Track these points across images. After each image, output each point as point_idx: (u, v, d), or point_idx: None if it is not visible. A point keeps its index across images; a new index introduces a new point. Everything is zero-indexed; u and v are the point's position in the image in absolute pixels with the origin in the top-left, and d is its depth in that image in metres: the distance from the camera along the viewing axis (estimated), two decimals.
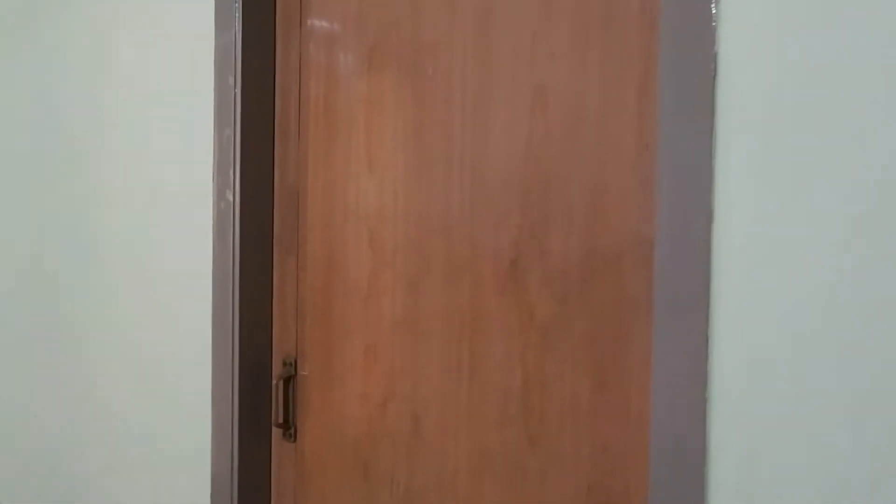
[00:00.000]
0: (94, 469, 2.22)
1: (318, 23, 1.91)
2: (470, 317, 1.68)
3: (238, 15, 1.90)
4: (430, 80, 1.73)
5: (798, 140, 1.25)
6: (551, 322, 1.58)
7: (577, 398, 1.56)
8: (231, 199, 1.92)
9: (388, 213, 1.79)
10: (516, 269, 1.62)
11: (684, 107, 1.35)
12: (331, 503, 1.89)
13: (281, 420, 1.92)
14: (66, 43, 2.27)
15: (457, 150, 1.70)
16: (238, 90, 1.90)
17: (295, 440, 1.94)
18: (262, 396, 1.96)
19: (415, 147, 1.75)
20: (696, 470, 1.34)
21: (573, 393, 1.56)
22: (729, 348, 1.31)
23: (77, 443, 2.26)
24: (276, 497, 1.98)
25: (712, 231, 1.33)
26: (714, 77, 1.31)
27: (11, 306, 2.44)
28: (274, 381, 1.92)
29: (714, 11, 1.30)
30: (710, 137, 1.32)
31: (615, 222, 1.52)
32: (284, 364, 1.95)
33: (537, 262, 1.60)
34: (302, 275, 1.92)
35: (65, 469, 2.29)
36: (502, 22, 1.64)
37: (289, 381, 1.93)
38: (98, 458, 2.21)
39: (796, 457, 1.25)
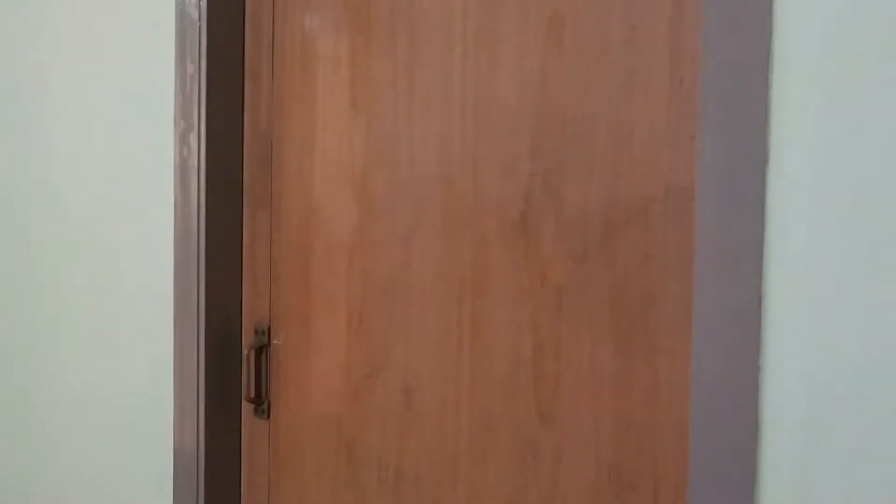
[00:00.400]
0: (49, 441, 2.00)
1: None
2: (471, 277, 1.49)
3: None
4: (426, 5, 1.52)
5: (878, 64, 1.07)
6: (567, 282, 1.40)
7: (596, 367, 1.37)
8: (195, 145, 1.70)
9: (375, 160, 1.59)
10: (526, 222, 1.43)
11: (734, 28, 1.17)
12: (310, 487, 1.69)
13: (252, 394, 1.71)
14: None
15: (456, 87, 1.50)
16: (203, 22, 1.68)
17: (268, 417, 1.74)
18: (231, 368, 1.75)
19: (407, 84, 1.55)
20: (746, 446, 1.17)
21: (592, 361, 1.38)
22: (786, 308, 1.13)
23: (30, 413, 2.03)
24: (247, 479, 1.77)
25: (766, 175, 1.15)
26: None
27: None
28: (245, 352, 1.71)
29: None
30: (766, 64, 1.14)
31: (643, 168, 1.33)
32: (256, 332, 1.74)
33: (551, 215, 1.41)
34: (276, 232, 1.71)
35: (21, 440, 2.06)
36: None
37: (261, 351, 1.73)
38: (53, 431, 1.99)
39: (863, 429, 1.08)
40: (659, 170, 1.32)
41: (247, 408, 1.76)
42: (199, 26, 1.68)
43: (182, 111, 1.70)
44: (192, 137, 1.69)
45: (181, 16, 1.71)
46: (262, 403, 1.73)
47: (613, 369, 1.36)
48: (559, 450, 1.41)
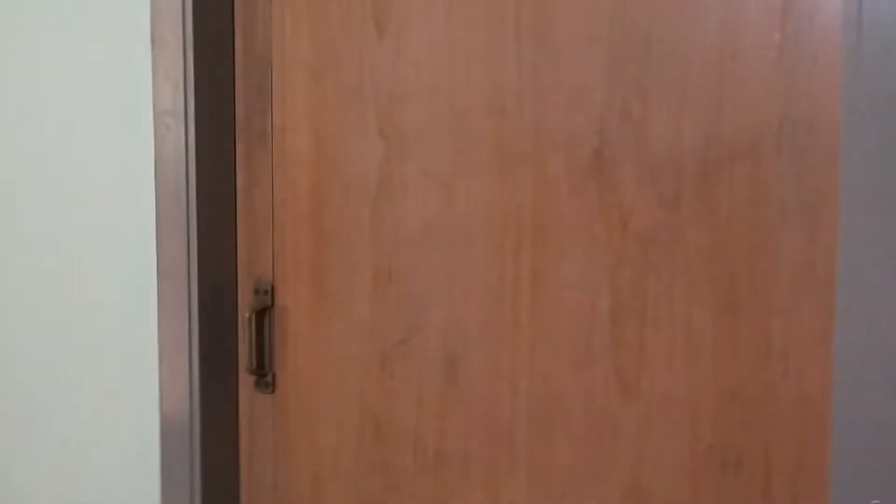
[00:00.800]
0: (25, 413, 1.71)
1: None
2: (531, 224, 1.26)
3: None
4: None
5: None
6: (654, 231, 1.18)
7: (693, 329, 1.17)
8: (175, 67, 1.42)
9: (407, 89, 1.33)
10: (601, 160, 1.21)
11: None
12: (326, 472, 1.45)
13: (254, 365, 1.46)
14: None
15: (510, 1, 1.26)
16: None
17: (273, 390, 1.49)
18: (225, 336, 1.49)
19: None
20: None
21: (687, 323, 1.17)
22: None
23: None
24: (247, 463, 1.53)
25: None
26: None
27: None
28: (246, 315, 1.45)
29: None
30: None
31: (750, 96, 1.12)
32: (257, 292, 1.48)
33: (632, 152, 1.19)
34: (280, 174, 1.45)
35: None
36: None
37: (263, 314, 1.47)
38: (29, 403, 1.70)
39: None
40: (770, 99, 1.11)
41: (246, 381, 1.51)
42: None
43: (157, 19, 1.41)
44: (170, 57, 1.40)
45: None
46: (265, 375, 1.48)
47: (713, 332, 1.16)
48: (644, 426, 1.21)
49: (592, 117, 1.21)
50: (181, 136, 1.42)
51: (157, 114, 1.44)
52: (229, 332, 1.50)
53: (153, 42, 1.42)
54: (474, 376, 1.32)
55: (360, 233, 1.39)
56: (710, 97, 1.14)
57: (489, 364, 1.31)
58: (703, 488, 1.18)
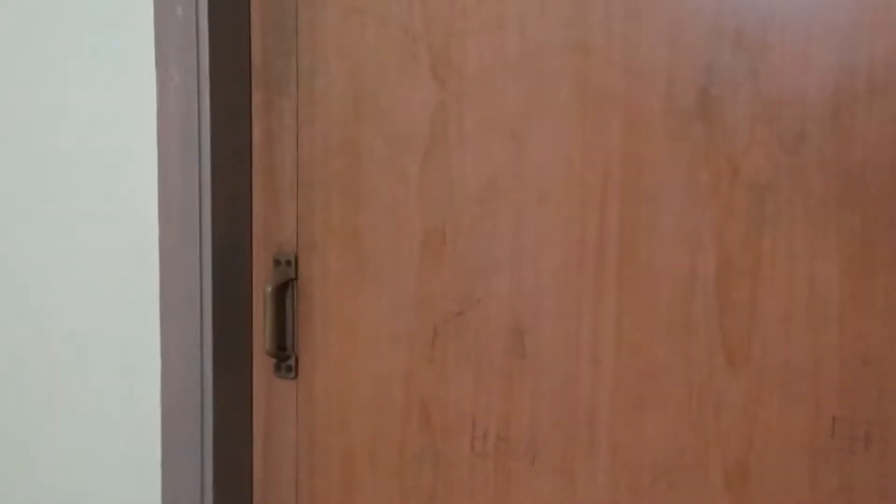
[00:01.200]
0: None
1: None
2: (621, 175, 1.11)
3: None
4: None
5: None
6: (771, 177, 1.05)
7: (816, 288, 1.04)
8: (190, 7, 1.22)
9: (464, 23, 1.17)
10: (708, 99, 1.07)
11: None
12: (362, 466, 1.27)
13: (274, 347, 1.26)
14: None
15: None
16: None
17: (296, 375, 1.30)
18: (237, 313, 1.29)
19: None
20: None
21: (809, 280, 1.04)
22: None
23: None
24: (262, 460, 1.33)
25: None
26: None
27: None
28: (268, 289, 1.25)
29: None
30: None
31: (895, 19, 1.00)
32: (277, 263, 1.29)
33: (747, 89, 1.05)
34: (307, 128, 1.26)
35: None
36: None
37: (285, 288, 1.28)
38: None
39: None
40: None
41: (263, 364, 1.31)
42: None
43: None
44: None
45: None
46: (286, 358, 1.29)
47: (840, 291, 1.03)
48: (754, 400, 1.07)
49: (697, 52, 1.07)
50: (188, 85, 1.22)
51: (159, 57, 1.24)
52: (242, 309, 1.30)
53: None
54: (545, 350, 1.16)
55: (408, 191, 1.21)
56: (845, 20, 1.01)
57: (564, 336, 1.15)
58: (823, 468, 1.05)
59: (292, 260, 1.28)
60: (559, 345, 1.16)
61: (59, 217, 1.33)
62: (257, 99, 1.28)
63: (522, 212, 1.16)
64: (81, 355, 1.33)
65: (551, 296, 1.15)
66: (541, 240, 1.15)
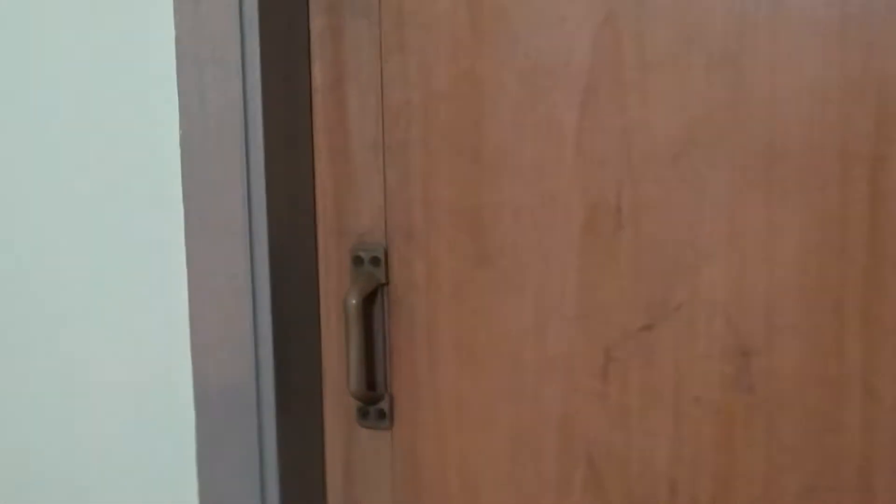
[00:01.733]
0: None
1: None
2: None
3: None
4: None
5: None
6: None
7: None
8: None
9: None
10: None
11: None
12: None
13: (360, 384, 0.86)
14: None
15: None
16: None
17: (391, 424, 0.90)
18: (299, 335, 0.89)
19: None
20: None
21: None
22: None
23: None
24: None
25: None
26: None
27: None
28: (352, 301, 0.84)
29: None
30: None
31: None
32: (358, 262, 0.88)
33: None
34: (396, 62, 0.85)
35: None
36: None
37: (372, 298, 0.88)
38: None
39: None
40: None
41: (339, 409, 0.91)
42: None
43: None
44: None
45: None
46: (375, 401, 0.89)
47: None
48: None
49: None
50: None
51: None
52: (309, 331, 0.89)
53: None
54: (784, 380, 0.78)
55: (561, 151, 0.82)
56: None
57: (815, 359, 0.77)
58: None
59: (380, 256, 0.87)
60: (806, 372, 0.77)
61: (71, 214, 0.91)
62: (319, 23, 0.87)
63: (743, 174, 0.77)
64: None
65: (793, 299, 0.77)
66: (773, 215, 0.77)
